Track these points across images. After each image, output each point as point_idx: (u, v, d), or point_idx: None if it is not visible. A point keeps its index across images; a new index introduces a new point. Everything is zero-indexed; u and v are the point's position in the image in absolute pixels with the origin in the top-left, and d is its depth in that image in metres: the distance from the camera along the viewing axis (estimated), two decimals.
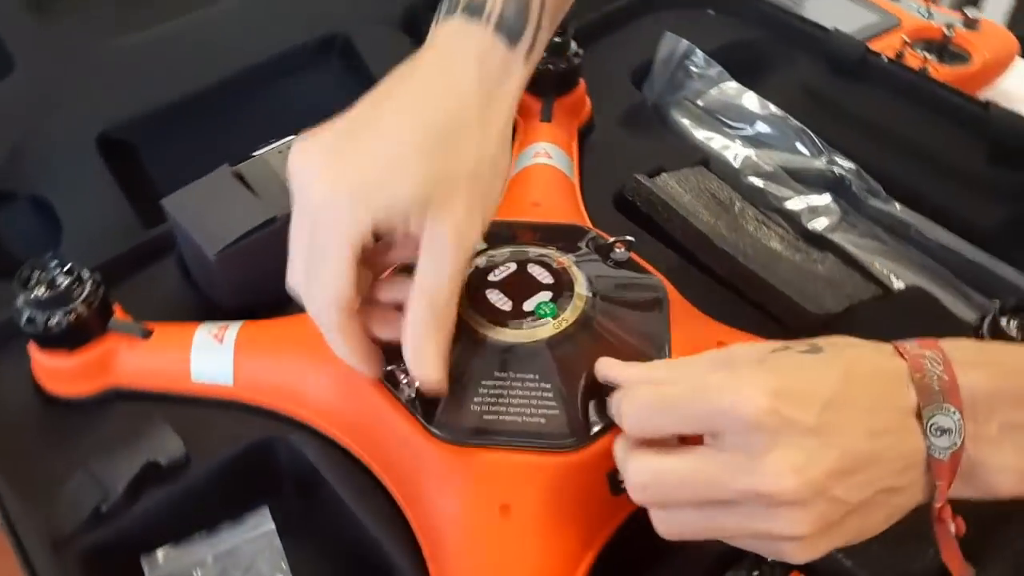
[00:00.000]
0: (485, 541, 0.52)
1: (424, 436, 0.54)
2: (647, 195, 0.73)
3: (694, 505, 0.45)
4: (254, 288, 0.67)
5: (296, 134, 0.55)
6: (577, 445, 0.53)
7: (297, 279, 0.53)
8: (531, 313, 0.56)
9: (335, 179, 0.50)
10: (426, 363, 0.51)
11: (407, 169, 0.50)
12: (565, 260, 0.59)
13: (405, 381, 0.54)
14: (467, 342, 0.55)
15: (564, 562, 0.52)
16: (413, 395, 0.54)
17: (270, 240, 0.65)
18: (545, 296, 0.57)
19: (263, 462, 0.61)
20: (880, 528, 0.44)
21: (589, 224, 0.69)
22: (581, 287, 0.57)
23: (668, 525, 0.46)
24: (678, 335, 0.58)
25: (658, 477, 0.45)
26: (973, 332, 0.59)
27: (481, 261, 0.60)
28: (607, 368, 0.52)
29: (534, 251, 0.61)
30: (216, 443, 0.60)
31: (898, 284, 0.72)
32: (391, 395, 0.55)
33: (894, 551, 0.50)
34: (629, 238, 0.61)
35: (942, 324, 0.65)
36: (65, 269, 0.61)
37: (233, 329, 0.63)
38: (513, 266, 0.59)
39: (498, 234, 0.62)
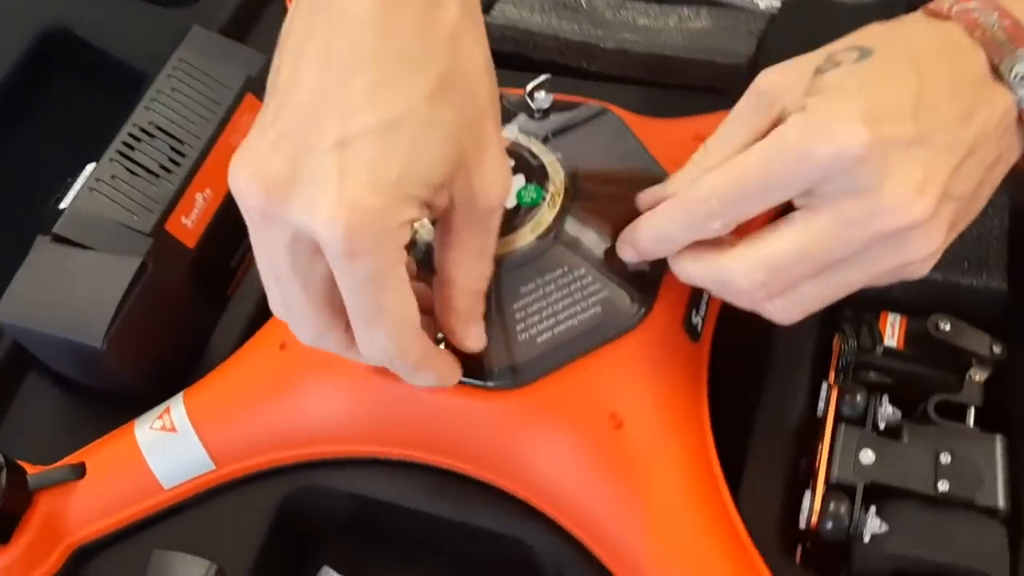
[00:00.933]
0: (609, 462, 0.45)
1: (487, 397, 0.45)
2: (500, 32, 0.64)
3: (812, 276, 0.40)
4: (161, 353, 0.54)
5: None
6: (644, 311, 0.46)
7: (336, 336, 0.40)
8: (517, 208, 0.47)
9: (337, 192, 0.34)
10: (475, 337, 0.43)
11: (421, 125, 0.35)
12: None
13: None
14: None
15: (690, 441, 0.46)
16: None
17: (149, 292, 0.52)
18: (518, 182, 0.48)
19: (297, 523, 0.51)
20: (984, 203, 0.41)
21: None
22: (541, 152, 0.49)
23: (789, 311, 0.41)
24: (658, 150, 0.51)
25: (774, 266, 0.39)
26: None
27: None
28: (651, 196, 0.44)
29: None
30: (239, 536, 0.49)
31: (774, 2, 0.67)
32: None
33: None
34: (544, 76, 0.53)
35: None
36: None
37: (177, 408, 0.50)
38: None
39: None
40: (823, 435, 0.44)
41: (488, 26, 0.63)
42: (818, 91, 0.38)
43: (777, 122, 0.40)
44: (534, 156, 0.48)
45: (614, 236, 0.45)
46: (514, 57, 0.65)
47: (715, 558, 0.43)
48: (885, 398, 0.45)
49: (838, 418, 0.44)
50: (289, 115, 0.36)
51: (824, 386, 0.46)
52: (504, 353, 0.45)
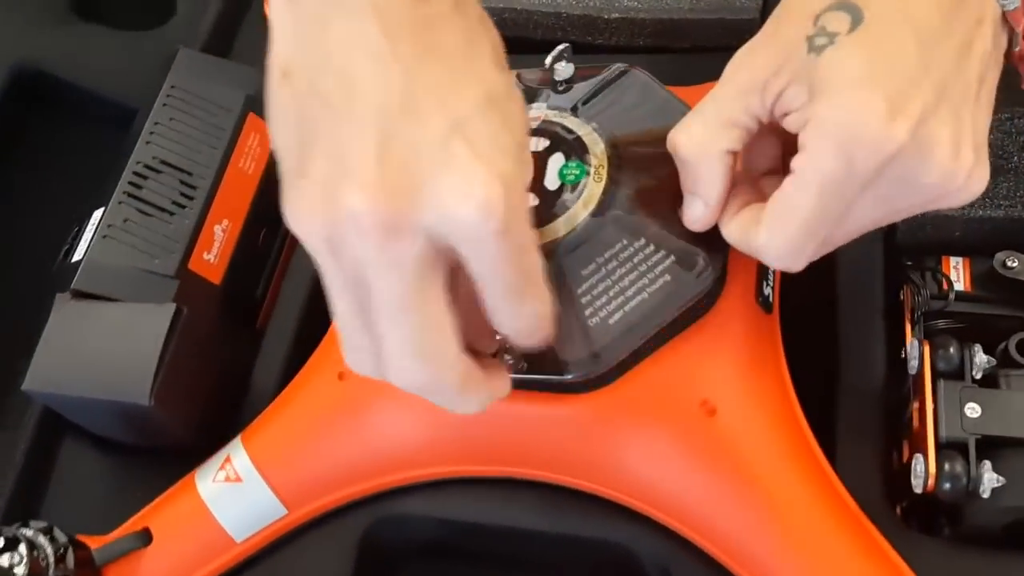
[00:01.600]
0: (708, 452, 0.43)
1: (572, 401, 0.43)
2: (499, 15, 0.61)
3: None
4: (206, 400, 0.52)
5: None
6: (714, 271, 0.43)
7: (392, 354, 0.35)
8: (560, 189, 0.44)
9: (483, 168, 0.32)
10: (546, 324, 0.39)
11: (503, 94, 0.34)
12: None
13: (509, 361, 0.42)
14: None
15: (783, 419, 0.45)
16: (523, 366, 0.43)
17: (187, 338, 0.49)
18: (556, 161, 0.45)
19: (380, 554, 0.49)
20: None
21: None
22: (575, 125, 0.46)
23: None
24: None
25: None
26: None
27: None
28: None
29: None
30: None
31: None
32: None
33: None
34: (563, 45, 0.50)
35: None
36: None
37: (238, 455, 0.48)
38: None
39: None
40: (922, 394, 0.43)
41: (498, 9, 0.61)
42: (826, 85, 0.36)
43: (774, 110, 0.38)
44: (568, 131, 0.46)
45: (669, 197, 0.43)
46: (515, 41, 0.62)
47: (833, 535, 0.42)
48: (977, 347, 0.44)
49: (935, 374, 0.43)
50: (371, 123, 0.33)
51: (914, 343, 0.45)
52: (580, 342, 0.42)
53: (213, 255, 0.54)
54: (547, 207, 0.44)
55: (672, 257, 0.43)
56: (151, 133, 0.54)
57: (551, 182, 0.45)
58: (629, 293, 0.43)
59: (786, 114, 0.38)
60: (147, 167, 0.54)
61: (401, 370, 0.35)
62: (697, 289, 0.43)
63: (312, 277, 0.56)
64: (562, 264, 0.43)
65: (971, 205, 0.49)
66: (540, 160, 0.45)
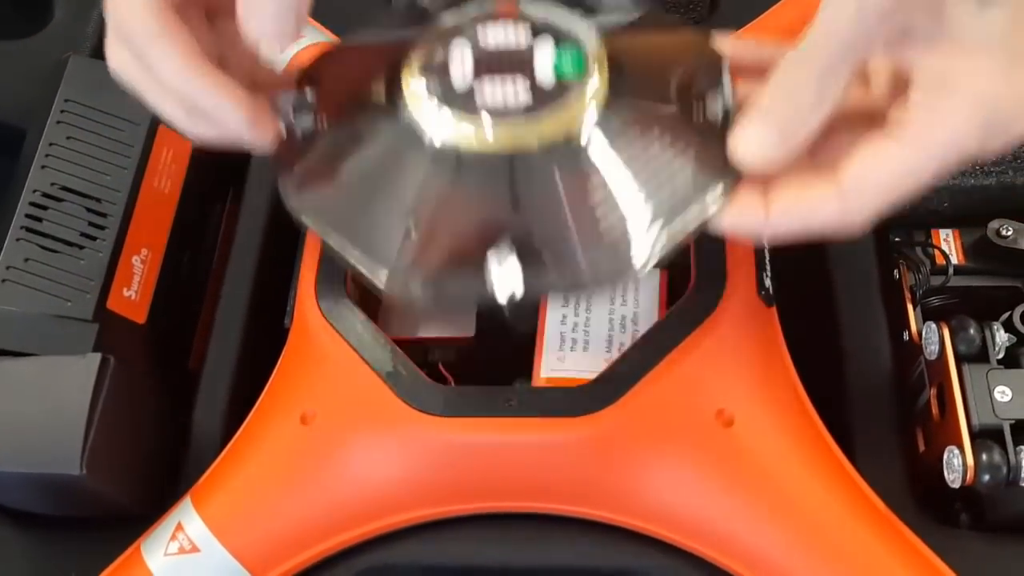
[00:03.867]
0: (727, 466, 0.39)
1: (574, 425, 0.39)
2: None
3: None
4: (144, 458, 0.45)
5: None
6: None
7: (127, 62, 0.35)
8: (554, 90, 0.35)
9: None
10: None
11: None
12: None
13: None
14: None
15: (798, 420, 0.41)
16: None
17: (117, 390, 0.42)
18: (545, 51, 0.35)
19: None
20: None
21: None
22: (563, 18, 0.37)
23: None
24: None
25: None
26: None
27: None
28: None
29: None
30: None
31: None
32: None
33: None
34: None
35: None
36: None
37: (191, 519, 0.41)
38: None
39: None
40: (946, 380, 0.40)
41: None
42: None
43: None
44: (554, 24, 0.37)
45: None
46: None
47: (867, 540, 0.39)
48: (997, 325, 0.41)
49: (958, 358, 0.40)
50: None
51: (930, 325, 0.42)
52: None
53: (134, 291, 0.47)
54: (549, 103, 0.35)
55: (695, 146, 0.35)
56: (46, 156, 0.47)
57: (541, 75, 0.35)
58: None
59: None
60: (46, 196, 0.46)
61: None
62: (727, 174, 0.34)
63: (249, 305, 0.50)
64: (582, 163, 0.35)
65: (960, 174, 0.47)
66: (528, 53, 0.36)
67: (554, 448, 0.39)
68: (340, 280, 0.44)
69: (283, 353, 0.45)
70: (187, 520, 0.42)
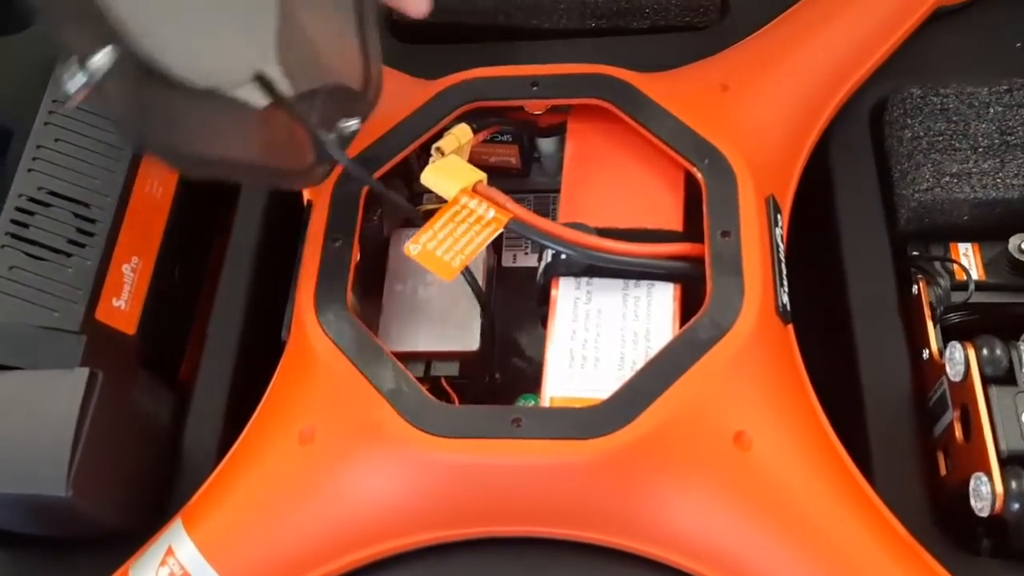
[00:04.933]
0: (746, 492, 0.38)
1: (585, 448, 0.37)
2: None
3: None
4: (134, 476, 0.43)
5: None
6: None
7: None
8: None
9: None
10: None
11: None
12: None
13: None
14: None
15: (817, 443, 0.40)
16: None
17: (108, 405, 0.40)
18: None
19: None
20: None
21: None
22: None
23: None
24: (682, 109, 0.44)
25: None
26: None
27: None
28: None
29: None
30: None
31: None
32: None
33: None
34: None
35: None
36: None
37: (182, 543, 0.40)
38: None
39: None
40: (974, 405, 0.39)
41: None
42: None
43: None
44: None
45: None
46: (452, 29, 0.55)
47: (884, 567, 0.37)
48: (1022, 343, 0.40)
49: (984, 380, 0.39)
50: None
51: (955, 345, 0.40)
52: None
53: (123, 300, 0.45)
54: None
55: None
56: (33, 159, 0.45)
57: None
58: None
59: None
60: (32, 200, 0.44)
61: None
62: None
63: (244, 312, 0.48)
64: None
65: (982, 186, 0.45)
66: None
67: (564, 472, 0.38)
68: (340, 292, 0.42)
69: (279, 367, 0.43)
70: (178, 544, 0.40)
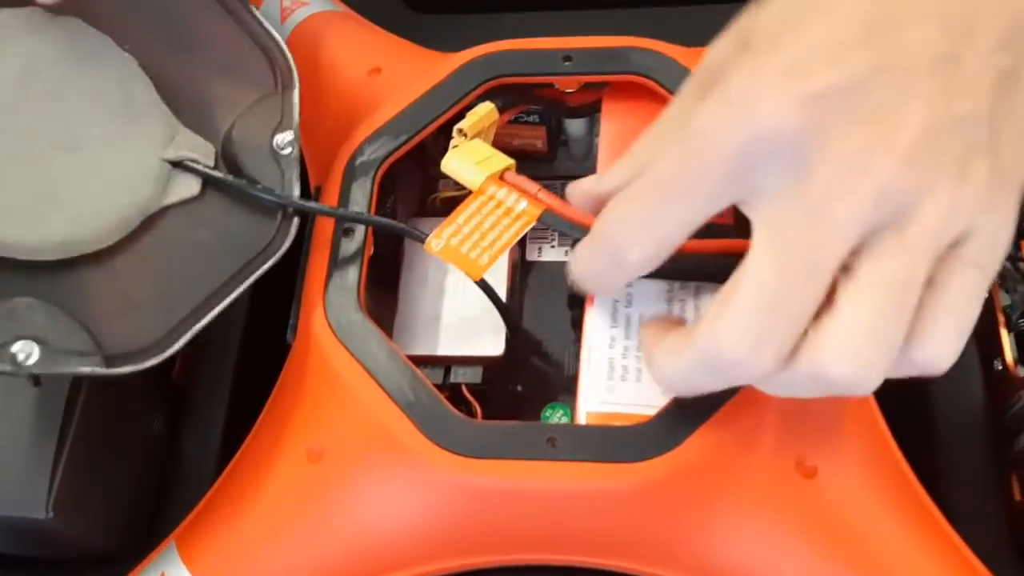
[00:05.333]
0: (811, 525, 0.34)
1: (630, 472, 0.33)
2: None
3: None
4: (122, 494, 0.39)
5: None
6: None
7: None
8: None
9: None
10: None
11: None
12: None
13: None
14: None
15: (888, 468, 0.36)
16: None
17: (94, 412, 0.36)
18: None
19: None
20: None
21: None
22: None
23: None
24: None
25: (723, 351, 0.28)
26: None
27: None
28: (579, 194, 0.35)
29: None
30: None
31: None
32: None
33: None
34: None
35: None
36: None
37: (175, 568, 0.36)
38: None
39: None
40: None
41: None
42: (743, 48, 0.29)
43: None
44: None
45: None
46: None
47: None
48: None
49: None
50: None
51: None
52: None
53: None
54: None
55: None
56: None
57: None
58: None
59: None
60: None
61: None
62: None
63: (246, 314, 0.44)
64: None
65: None
66: None
67: (604, 498, 0.34)
68: (353, 289, 0.38)
69: (284, 372, 0.39)
70: (172, 570, 0.36)
